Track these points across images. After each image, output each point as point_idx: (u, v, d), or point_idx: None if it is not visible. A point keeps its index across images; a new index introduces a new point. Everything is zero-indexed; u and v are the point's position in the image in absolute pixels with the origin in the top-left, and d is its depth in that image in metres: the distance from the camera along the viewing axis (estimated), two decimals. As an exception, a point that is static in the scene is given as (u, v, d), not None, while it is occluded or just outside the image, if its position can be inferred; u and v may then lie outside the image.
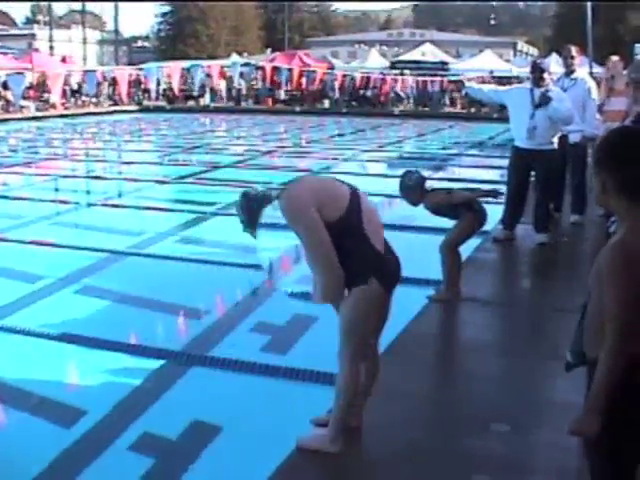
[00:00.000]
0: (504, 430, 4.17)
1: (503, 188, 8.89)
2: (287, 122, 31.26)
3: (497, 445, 4.05)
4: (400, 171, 6.53)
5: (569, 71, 9.39)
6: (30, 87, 34.93)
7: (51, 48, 52.65)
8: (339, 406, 3.89)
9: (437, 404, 4.72)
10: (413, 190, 6.26)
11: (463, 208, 6.37)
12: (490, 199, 6.93)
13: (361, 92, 41.07)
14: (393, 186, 6.36)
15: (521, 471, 3.78)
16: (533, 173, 8.66)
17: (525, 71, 30.75)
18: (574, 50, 9.37)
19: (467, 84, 9.41)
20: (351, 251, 3.66)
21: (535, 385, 4.82)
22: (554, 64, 33.80)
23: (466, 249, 7.29)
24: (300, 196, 3.58)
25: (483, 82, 39.95)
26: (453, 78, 41.02)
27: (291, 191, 3.65)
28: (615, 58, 10.03)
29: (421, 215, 6.76)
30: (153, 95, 40.45)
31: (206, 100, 40.96)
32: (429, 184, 6.61)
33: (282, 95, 41.52)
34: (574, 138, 9.17)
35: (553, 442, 4.01)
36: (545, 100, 8.04)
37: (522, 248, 8.77)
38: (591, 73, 14.31)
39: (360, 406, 4.12)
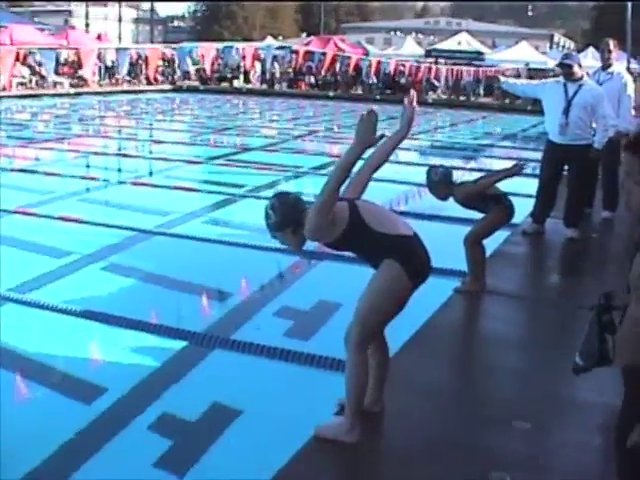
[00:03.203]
0: (525, 428, 4.12)
1: (535, 181, 8.84)
2: (320, 107, 31.18)
3: (517, 442, 4.00)
4: (431, 160, 6.48)
5: (606, 65, 9.27)
6: (64, 64, 35.09)
7: (87, 25, 52.85)
8: (350, 399, 3.87)
9: (458, 397, 4.68)
10: (440, 185, 6.22)
11: (492, 202, 6.32)
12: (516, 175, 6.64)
13: (395, 79, 40.86)
14: (424, 175, 6.30)
15: (541, 470, 3.73)
16: (567, 167, 8.59)
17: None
18: (612, 44, 9.23)
19: (502, 79, 9.38)
20: (370, 247, 3.83)
21: (558, 383, 4.74)
22: (590, 58, 33.74)
23: (494, 242, 7.24)
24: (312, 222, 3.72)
25: (518, 75, 39.81)
26: (489, 69, 40.76)
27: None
28: None
29: (450, 205, 6.69)
30: (184, 75, 40.47)
31: (240, 82, 40.95)
32: (458, 175, 6.54)
33: (312, 80, 41.39)
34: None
35: (574, 442, 3.97)
36: None
37: (551, 243, 8.68)
38: (628, 68, 14.15)
39: (379, 391, 4.12)
